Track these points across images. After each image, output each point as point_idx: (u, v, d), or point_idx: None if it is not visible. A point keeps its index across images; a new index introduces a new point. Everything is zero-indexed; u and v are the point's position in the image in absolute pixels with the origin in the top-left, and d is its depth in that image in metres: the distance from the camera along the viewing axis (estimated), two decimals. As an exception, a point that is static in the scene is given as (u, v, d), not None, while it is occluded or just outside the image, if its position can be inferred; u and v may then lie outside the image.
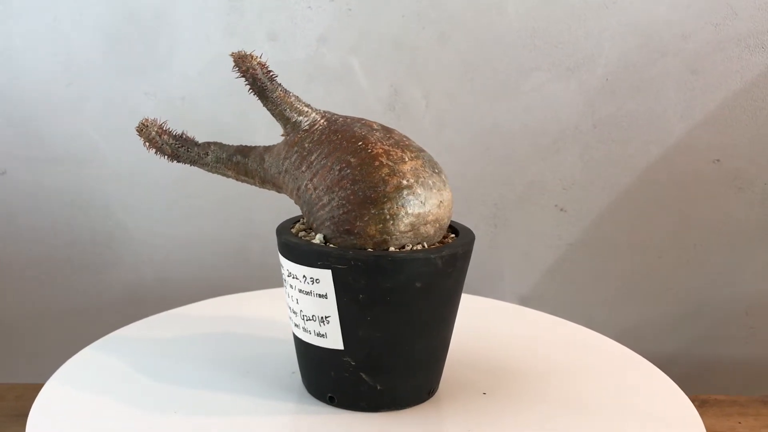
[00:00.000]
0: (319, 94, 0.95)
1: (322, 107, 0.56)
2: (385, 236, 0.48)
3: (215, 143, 0.57)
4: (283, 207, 1.00)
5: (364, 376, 0.50)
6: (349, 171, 0.48)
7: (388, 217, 0.48)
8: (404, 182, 0.48)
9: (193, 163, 0.56)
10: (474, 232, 0.55)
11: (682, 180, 0.98)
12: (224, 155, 0.56)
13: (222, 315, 0.69)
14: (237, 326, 0.66)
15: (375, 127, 0.52)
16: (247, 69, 0.51)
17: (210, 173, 0.58)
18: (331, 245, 0.49)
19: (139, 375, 0.56)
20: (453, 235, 0.54)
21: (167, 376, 0.56)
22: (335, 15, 0.94)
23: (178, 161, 0.55)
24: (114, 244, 1.00)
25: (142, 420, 0.50)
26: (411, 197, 0.48)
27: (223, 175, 0.57)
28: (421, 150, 0.52)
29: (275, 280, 0.98)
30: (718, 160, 0.97)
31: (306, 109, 0.53)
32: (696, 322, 1.03)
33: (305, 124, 0.52)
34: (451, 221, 0.55)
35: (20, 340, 1.03)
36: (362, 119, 0.53)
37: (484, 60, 0.95)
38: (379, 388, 0.51)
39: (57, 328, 1.03)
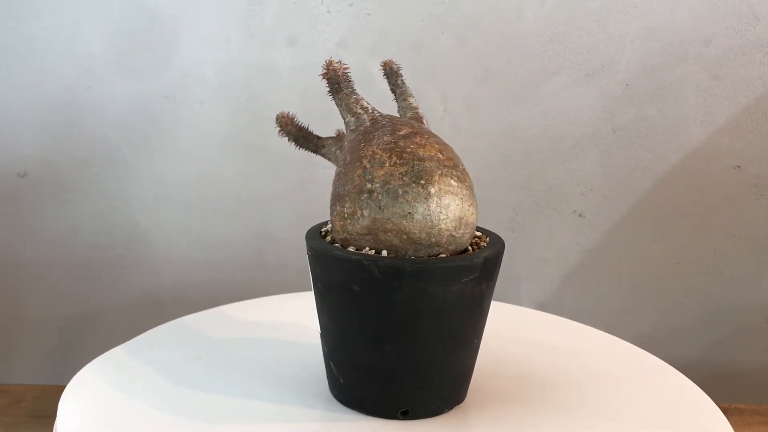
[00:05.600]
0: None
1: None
2: (345, 234, 0.49)
3: (332, 137, 0.60)
4: (298, 211, 1.00)
5: (332, 364, 0.52)
6: (342, 169, 0.51)
7: (346, 215, 0.49)
8: (368, 186, 0.48)
9: (313, 151, 0.59)
10: (482, 254, 0.49)
11: (701, 186, 0.97)
12: (333, 148, 0.58)
13: (243, 319, 0.69)
14: (259, 330, 0.66)
15: (402, 132, 0.51)
16: (325, 73, 0.55)
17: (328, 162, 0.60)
18: (330, 234, 0.52)
19: (163, 379, 0.56)
20: (445, 255, 0.49)
21: (190, 381, 0.56)
22: (354, 20, 0.94)
23: (303, 148, 0.60)
24: (133, 246, 1.01)
25: (164, 424, 0.50)
26: (369, 201, 0.48)
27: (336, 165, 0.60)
28: (422, 159, 0.49)
29: (291, 284, 0.98)
30: (738, 167, 0.96)
31: (360, 111, 0.55)
32: (715, 329, 1.02)
33: (353, 124, 0.54)
34: (487, 236, 0.53)
35: (38, 342, 1.04)
36: (405, 123, 0.53)
37: (503, 65, 0.95)
38: (341, 381, 0.52)
39: (75, 330, 1.03)
